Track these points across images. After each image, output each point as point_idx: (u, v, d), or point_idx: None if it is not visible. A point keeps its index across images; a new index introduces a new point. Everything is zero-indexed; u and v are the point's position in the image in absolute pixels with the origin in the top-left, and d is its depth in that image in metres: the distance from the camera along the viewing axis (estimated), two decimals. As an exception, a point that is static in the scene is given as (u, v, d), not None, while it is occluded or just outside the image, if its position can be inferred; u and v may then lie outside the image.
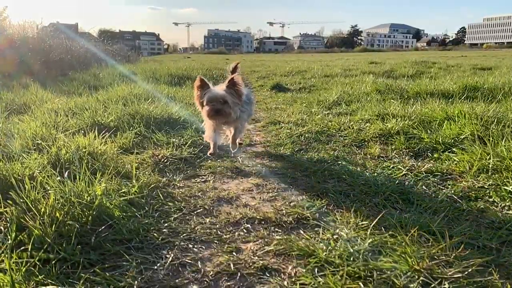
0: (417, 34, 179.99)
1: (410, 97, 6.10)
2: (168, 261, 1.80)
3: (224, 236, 2.03)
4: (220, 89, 3.05)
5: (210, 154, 3.27)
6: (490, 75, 8.47)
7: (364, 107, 5.38)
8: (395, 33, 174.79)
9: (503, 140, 3.01)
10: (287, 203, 2.43)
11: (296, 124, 4.72)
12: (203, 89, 3.06)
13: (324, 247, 1.78)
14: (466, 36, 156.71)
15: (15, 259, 1.67)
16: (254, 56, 54.34)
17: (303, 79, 10.56)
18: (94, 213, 2.11)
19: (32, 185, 2.22)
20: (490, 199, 2.38)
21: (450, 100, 5.53)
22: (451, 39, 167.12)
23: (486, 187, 2.54)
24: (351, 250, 1.73)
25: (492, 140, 3.05)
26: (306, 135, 4.12)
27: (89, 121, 4.17)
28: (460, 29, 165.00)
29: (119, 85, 7.44)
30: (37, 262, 1.69)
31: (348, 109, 5.53)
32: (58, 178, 2.39)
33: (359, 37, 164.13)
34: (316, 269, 1.65)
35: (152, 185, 2.65)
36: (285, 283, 1.60)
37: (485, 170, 2.74)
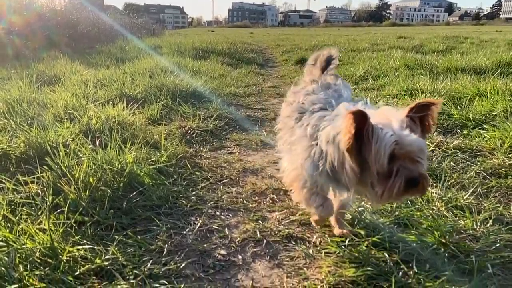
0: (449, 8, 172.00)
1: (440, 73, 5.90)
2: (197, 227, 1.86)
3: (250, 205, 2.07)
4: (397, 119, 1.33)
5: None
6: (527, 50, 8.06)
7: (392, 82, 5.25)
8: (426, 7, 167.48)
9: (538, 117, 2.90)
10: (312, 175, 2.44)
11: (321, 98, 4.66)
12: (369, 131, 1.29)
13: (349, 219, 1.80)
14: (501, 10, 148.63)
15: (53, 220, 1.76)
16: (278, 29, 53.43)
17: (328, 53, 10.35)
18: (125, 180, 2.19)
19: (66, 152, 2.31)
20: (521, 177, 2.32)
21: (482, 76, 5.32)
22: (485, 13, 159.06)
23: (517, 164, 2.47)
24: (376, 222, 1.74)
25: (526, 117, 2.95)
26: (332, 110, 4.07)
27: (117, 93, 4.25)
28: (496, 2, 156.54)
29: (145, 58, 7.49)
30: (73, 224, 1.78)
31: (376, 84, 5.42)
32: (90, 146, 2.47)
33: (387, 11, 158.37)
34: (341, 239, 1.68)
35: (180, 155, 2.71)
36: (311, 251, 1.64)
37: (517, 147, 2.67)
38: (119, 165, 2.27)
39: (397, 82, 5.12)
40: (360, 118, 1.23)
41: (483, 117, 3.31)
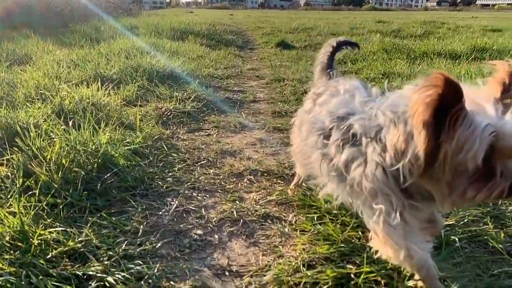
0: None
1: (417, 57, 5.99)
2: (173, 208, 1.85)
3: (228, 186, 2.07)
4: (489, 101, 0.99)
5: None
6: (500, 36, 8.26)
7: (370, 65, 5.30)
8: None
9: (509, 101, 2.99)
10: (289, 157, 2.45)
11: (301, 81, 4.66)
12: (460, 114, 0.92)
13: (325, 198, 1.82)
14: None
15: (24, 203, 1.71)
16: (259, 12, 52.79)
17: (308, 36, 10.31)
18: (100, 161, 2.15)
19: (37, 133, 2.24)
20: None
21: (457, 60, 5.43)
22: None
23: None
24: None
25: (497, 100, 3.04)
26: (310, 92, 4.08)
27: (92, 73, 4.13)
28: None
29: (121, 38, 7.29)
30: (45, 207, 1.74)
31: (354, 67, 5.45)
32: (63, 127, 2.41)
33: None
34: (316, 218, 1.70)
35: (156, 137, 2.67)
36: (286, 229, 1.66)
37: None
38: (93, 146, 2.22)
39: (375, 65, 5.17)
40: (451, 90, 0.88)
41: (457, 100, 3.39)
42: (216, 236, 1.65)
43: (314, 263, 1.43)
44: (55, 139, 2.23)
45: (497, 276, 1.35)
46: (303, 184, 1.93)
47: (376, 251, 1.23)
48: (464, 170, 0.93)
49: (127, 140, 2.47)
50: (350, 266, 1.38)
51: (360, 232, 1.57)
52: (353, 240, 1.51)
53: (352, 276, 1.33)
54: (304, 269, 1.39)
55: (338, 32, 10.62)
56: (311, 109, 1.47)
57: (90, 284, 1.33)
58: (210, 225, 1.72)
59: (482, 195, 0.96)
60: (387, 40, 7.72)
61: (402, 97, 1.04)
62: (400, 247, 1.12)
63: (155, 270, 1.41)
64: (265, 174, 2.21)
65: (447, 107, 0.89)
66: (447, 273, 1.33)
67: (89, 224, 1.65)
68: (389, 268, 1.33)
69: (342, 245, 1.48)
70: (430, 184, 1.02)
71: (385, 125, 1.08)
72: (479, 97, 0.97)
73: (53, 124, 2.45)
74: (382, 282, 1.30)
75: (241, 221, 1.74)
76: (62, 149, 2.12)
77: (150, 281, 1.37)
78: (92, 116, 2.65)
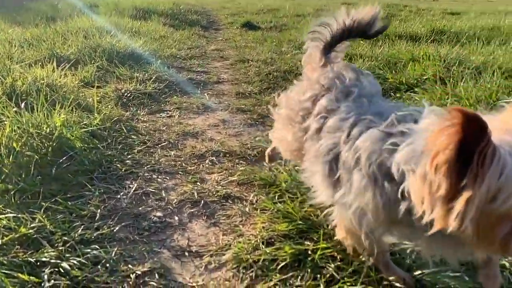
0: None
1: (379, 39, 6.07)
2: (132, 191, 1.81)
3: (189, 168, 2.05)
4: None
5: None
6: (458, 19, 8.52)
7: (334, 47, 5.33)
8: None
9: (462, 81, 3.10)
10: (252, 137, 2.46)
11: (265, 62, 4.64)
12: (488, 152, 0.75)
13: (286, 177, 1.84)
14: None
15: (-29, 188, 1.63)
16: (224, -8, 51.71)
17: (274, 17, 10.23)
18: (55, 144, 2.07)
19: (-15, 115, 2.12)
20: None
21: (417, 42, 5.56)
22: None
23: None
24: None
25: (452, 81, 3.14)
26: (275, 74, 4.07)
27: (47, 53, 3.93)
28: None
29: (79, 17, 6.96)
30: (-5, 193, 1.67)
31: (318, 49, 5.47)
32: (14, 109, 2.29)
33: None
34: (276, 197, 1.72)
35: (115, 119, 2.59)
36: (247, 209, 1.67)
37: (443, 109, 2.85)
38: (48, 129, 2.14)
39: (339, 47, 5.20)
40: (474, 126, 0.73)
41: (415, 81, 3.48)
42: (176, 218, 1.63)
43: (273, 240, 1.45)
44: (5, 122, 2.12)
45: None
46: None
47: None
48: (503, 216, 0.77)
49: (85, 122, 2.39)
50: (308, 243, 1.41)
51: (318, 210, 1.60)
52: (311, 217, 1.54)
53: (310, 252, 1.36)
54: (263, 246, 1.41)
55: (304, 14, 10.61)
56: (309, 108, 1.32)
57: (44, 271, 1.29)
58: (170, 207, 1.70)
59: None
60: (351, 22, 7.79)
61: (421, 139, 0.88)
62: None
63: (113, 254, 1.39)
64: (227, 155, 2.20)
65: (472, 146, 0.74)
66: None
67: (42, 210, 1.59)
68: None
69: (301, 222, 1.50)
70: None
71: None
72: (507, 128, 0.82)
73: (3, 106, 2.32)
74: (338, 257, 1.34)
75: (202, 202, 1.74)
76: (13, 132, 2.03)
77: (108, 265, 1.35)
78: (47, 98, 2.54)
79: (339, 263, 1.32)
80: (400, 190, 0.92)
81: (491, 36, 5.86)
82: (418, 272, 1.26)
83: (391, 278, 1.22)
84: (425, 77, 3.49)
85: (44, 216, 1.54)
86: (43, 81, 2.89)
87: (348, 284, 1.23)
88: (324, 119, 1.24)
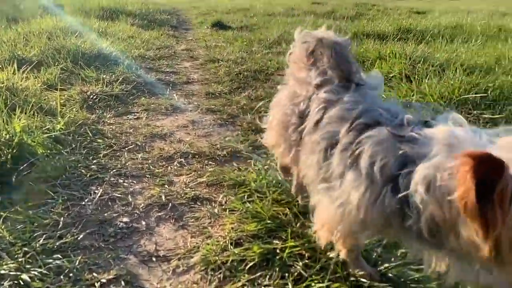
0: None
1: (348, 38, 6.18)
2: (97, 197, 1.76)
3: (157, 170, 2.01)
4: None
5: None
6: (424, 18, 8.77)
7: (303, 46, 5.37)
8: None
9: (427, 78, 3.19)
10: (222, 138, 2.44)
11: (236, 62, 4.63)
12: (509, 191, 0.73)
13: (255, 177, 1.84)
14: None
15: None
16: (195, -8, 51.25)
17: (245, 17, 10.22)
18: (15, 151, 1.98)
19: None
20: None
21: (385, 41, 5.68)
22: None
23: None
24: (280, 178, 1.79)
25: (417, 78, 3.22)
26: (245, 73, 4.06)
27: (7, 55, 3.78)
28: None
29: (42, 17, 6.74)
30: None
31: (289, 48, 5.50)
32: (-30, 114, 2.19)
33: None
34: (245, 197, 1.71)
35: (80, 122, 2.52)
36: (216, 210, 1.65)
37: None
38: (7, 135, 2.05)
39: (308, 46, 5.25)
40: (489, 169, 0.72)
41: (382, 78, 3.56)
42: (143, 222, 1.60)
43: (241, 241, 1.44)
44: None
45: None
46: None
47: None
48: None
49: (47, 127, 2.31)
50: (276, 242, 1.41)
51: (287, 209, 1.60)
52: (280, 216, 1.54)
53: (278, 251, 1.36)
54: (232, 247, 1.40)
55: (274, 13, 10.66)
56: (304, 110, 1.29)
57: (2, 284, 1.24)
58: (137, 212, 1.67)
59: None
60: (320, 22, 7.89)
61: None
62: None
63: (76, 263, 1.35)
64: (196, 156, 2.18)
65: (490, 188, 0.72)
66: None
67: (1, 220, 1.53)
68: (313, 241, 1.38)
69: (269, 221, 1.50)
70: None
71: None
72: None
73: (-43, 112, 2.22)
74: (306, 255, 1.34)
75: (170, 205, 1.71)
76: (-32, 140, 1.94)
77: (71, 274, 1.30)
78: (6, 102, 2.44)
79: (307, 261, 1.32)
80: (400, 198, 0.90)
81: (455, 34, 6.05)
82: (384, 266, 1.29)
83: (358, 274, 1.24)
84: (391, 75, 3.57)
85: (3, 227, 1.48)
86: (2, 84, 2.77)
87: (316, 281, 1.23)
88: (324, 110, 1.20)
